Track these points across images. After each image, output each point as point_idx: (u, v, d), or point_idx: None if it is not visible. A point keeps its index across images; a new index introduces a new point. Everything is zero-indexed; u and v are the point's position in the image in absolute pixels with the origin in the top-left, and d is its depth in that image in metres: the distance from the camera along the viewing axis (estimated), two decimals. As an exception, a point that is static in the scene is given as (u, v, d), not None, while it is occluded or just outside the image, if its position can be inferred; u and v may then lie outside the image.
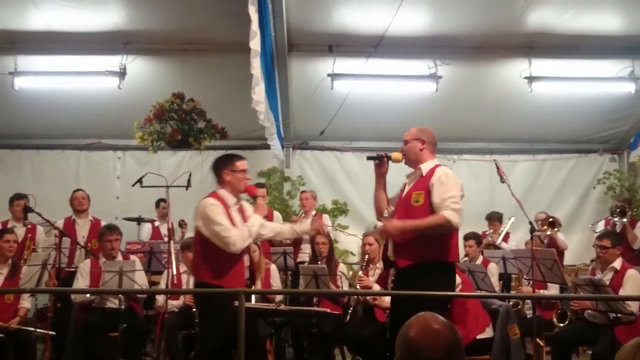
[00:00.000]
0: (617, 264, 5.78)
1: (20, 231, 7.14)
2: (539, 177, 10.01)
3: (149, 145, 7.67)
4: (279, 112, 8.26)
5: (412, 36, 7.88)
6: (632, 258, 7.29)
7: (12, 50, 7.97)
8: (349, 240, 9.13)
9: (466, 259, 6.84)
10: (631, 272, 5.68)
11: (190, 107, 7.58)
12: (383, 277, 5.94)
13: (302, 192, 8.38)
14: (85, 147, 9.72)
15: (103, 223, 7.32)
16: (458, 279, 5.11)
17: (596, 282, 5.42)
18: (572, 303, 5.90)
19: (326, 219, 8.23)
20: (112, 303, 5.91)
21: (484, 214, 8.71)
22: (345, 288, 6.31)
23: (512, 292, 6.81)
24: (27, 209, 6.74)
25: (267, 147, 8.36)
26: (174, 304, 6.13)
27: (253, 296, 5.61)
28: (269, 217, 7.58)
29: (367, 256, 6.12)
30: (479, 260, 6.79)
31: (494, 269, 6.66)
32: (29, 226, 7.11)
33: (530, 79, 8.40)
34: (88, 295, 5.96)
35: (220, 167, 4.64)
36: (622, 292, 5.51)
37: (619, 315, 5.25)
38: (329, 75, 8.28)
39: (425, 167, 4.32)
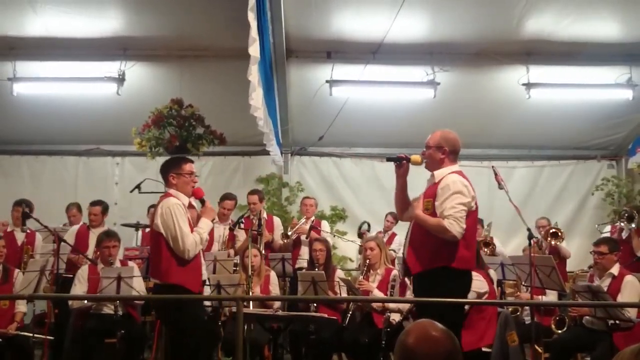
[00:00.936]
0: (615, 270, 5.78)
1: (20, 236, 7.16)
2: (537, 184, 10.01)
3: (147, 152, 7.66)
4: (278, 118, 8.27)
5: (410, 43, 7.89)
6: (635, 264, 7.29)
7: (10, 56, 7.98)
8: (347, 246, 9.12)
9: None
10: (629, 278, 5.68)
11: (188, 113, 7.57)
12: (384, 282, 5.94)
13: (305, 198, 8.35)
14: (84, 153, 9.72)
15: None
16: (485, 288, 5.10)
17: (594, 288, 5.42)
18: (571, 309, 5.90)
19: (325, 225, 8.23)
20: (110, 309, 5.90)
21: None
22: (344, 294, 6.31)
23: (511, 299, 6.80)
24: (26, 215, 6.74)
25: (266, 153, 8.37)
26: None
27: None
28: (269, 223, 7.62)
29: (367, 261, 6.12)
30: (477, 267, 6.78)
31: (492, 276, 6.65)
32: (28, 232, 7.12)
33: (528, 85, 8.41)
34: (86, 301, 5.94)
35: (167, 170, 4.71)
36: (620, 298, 5.51)
37: (617, 321, 5.24)
38: (327, 81, 8.29)
39: (438, 174, 4.37)
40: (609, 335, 5.26)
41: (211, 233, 6.35)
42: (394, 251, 7.79)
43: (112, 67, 8.09)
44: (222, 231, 7.32)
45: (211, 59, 8.12)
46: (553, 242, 7.91)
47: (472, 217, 4.26)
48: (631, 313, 5.25)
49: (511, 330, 5.33)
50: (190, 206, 4.88)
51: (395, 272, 5.99)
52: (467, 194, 4.22)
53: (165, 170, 4.74)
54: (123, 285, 5.63)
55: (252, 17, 5.23)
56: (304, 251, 7.66)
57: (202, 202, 4.75)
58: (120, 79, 8.11)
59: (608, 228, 8.28)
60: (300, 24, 7.55)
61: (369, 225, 8.44)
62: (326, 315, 5.49)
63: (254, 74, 5.43)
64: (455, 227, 4.09)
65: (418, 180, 4.66)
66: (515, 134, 9.59)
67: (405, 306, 5.54)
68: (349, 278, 7.46)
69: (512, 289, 6.79)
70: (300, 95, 8.65)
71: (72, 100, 8.56)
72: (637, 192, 9.89)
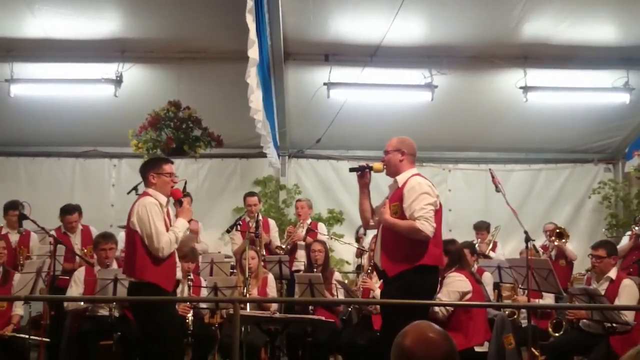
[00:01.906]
0: (613, 273, 5.79)
1: (15, 238, 7.14)
2: (534, 187, 10.02)
3: (144, 153, 7.66)
4: (275, 120, 8.26)
5: (408, 46, 7.90)
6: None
7: (8, 58, 7.96)
8: (345, 249, 9.12)
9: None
10: (627, 281, 5.69)
11: (186, 115, 7.58)
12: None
13: (297, 200, 8.39)
14: (81, 154, 9.70)
15: (92, 229, 7.31)
16: (469, 287, 5.13)
17: (591, 291, 5.43)
18: (568, 313, 5.90)
19: (322, 227, 8.23)
20: (106, 311, 5.89)
21: (480, 223, 8.74)
22: (341, 297, 6.30)
23: (508, 302, 6.80)
24: (22, 217, 6.73)
25: (263, 155, 8.37)
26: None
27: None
28: (265, 225, 7.63)
29: (372, 261, 6.10)
30: (474, 269, 6.78)
31: (488, 278, 6.66)
32: (23, 233, 7.10)
33: (526, 89, 8.42)
34: (82, 303, 5.93)
35: (147, 169, 4.77)
36: (618, 302, 5.51)
37: (614, 325, 5.25)
38: (325, 84, 8.29)
39: (401, 179, 4.52)
40: (606, 338, 5.26)
41: None
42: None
43: (109, 69, 8.08)
44: None
45: (209, 61, 8.13)
46: (557, 242, 7.92)
47: (438, 215, 4.45)
48: (628, 316, 5.25)
49: (508, 333, 5.32)
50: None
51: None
52: (432, 194, 4.40)
53: (145, 170, 4.79)
54: (119, 286, 5.62)
55: (250, 20, 5.23)
56: (300, 254, 7.66)
57: (180, 202, 4.78)
58: (118, 81, 8.09)
59: (627, 237, 8.16)
60: (298, 26, 7.56)
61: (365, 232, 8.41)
62: (323, 318, 5.49)
63: (252, 76, 5.43)
64: (427, 226, 4.29)
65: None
66: (513, 137, 9.60)
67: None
68: (346, 281, 7.46)
69: (509, 292, 6.80)
70: (297, 98, 8.65)
71: (70, 102, 8.55)
72: (633, 196, 9.90)
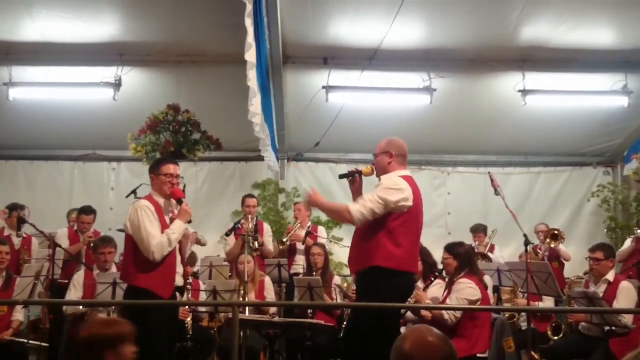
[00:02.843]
0: (610, 275, 5.79)
1: (16, 240, 7.15)
2: (533, 190, 10.03)
3: (143, 157, 7.64)
4: (274, 123, 8.26)
5: (406, 49, 7.91)
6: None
7: (6, 61, 7.96)
8: (344, 252, 9.10)
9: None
10: (624, 284, 5.69)
11: (184, 119, 7.57)
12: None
13: (296, 203, 8.38)
14: (80, 158, 9.70)
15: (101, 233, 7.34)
16: (478, 295, 5.09)
17: (590, 295, 5.43)
18: (567, 316, 5.90)
19: (321, 230, 8.22)
20: (105, 315, 5.87)
21: (478, 227, 8.75)
22: (340, 300, 6.30)
23: (507, 305, 6.80)
24: (21, 220, 6.73)
25: (262, 158, 8.36)
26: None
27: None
28: (259, 229, 7.62)
29: None
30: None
31: (487, 282, 6.65)
32: (24, 236, 7.10)
33: (524, 92, 8.42)
34: (81, 307, 5.91)
35: (149, 170, 4.74)
36: (616, 304, 5.52)
37: (613, 327, 5.25)
38: (323, 87, 8.29)
39: (383, 177, 4.43)
40: (605, 341, 5.27)
41: None
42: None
43: (108, 72, 8.08)
44: None
45: (207, 64, 8.13)
46: (552, 245, 7.94)
47: (404, 218, 4.28)
48: (627, 319, 5.25)
49: (507, 336, 5.32)
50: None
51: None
52: (395, 192, 4.23)
53: (149, 171, 4.77)
54: (119, 290, 5.61)
55: (249, 23, 5.23)
56: (299, 258, 7.65)
57: (179, 202, 4.68)
58: (117, 84, 8.10)
59: (628, 242, 8.18)
60: (296, 29, 7.56)
61: None
62: (322, 322, 5.48)
63: (253, 79, 5.44)
64: (356, 213, 4.16)
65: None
66: (511, 140, 9.61)
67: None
68: (345, 284, 7.45)
69: (509, 295, 6.80)
70: (296, 101, 8.65)
71: (68, 105, 8.55)
72: (632, 199, 9.91)
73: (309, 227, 7.90)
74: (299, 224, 7.85)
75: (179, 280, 4.68)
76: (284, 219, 9.43)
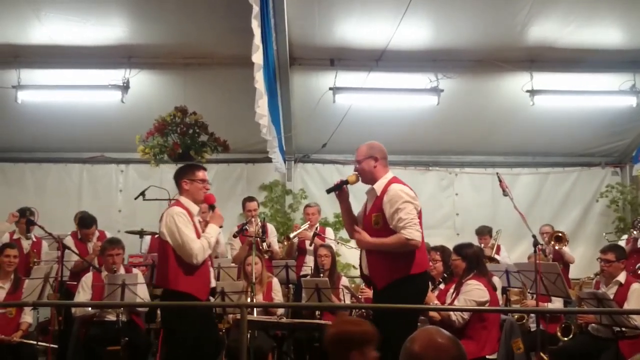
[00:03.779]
0: (622, 277, 5.75)
1: (25, 243, 7.18)
2: (542, 191, 10.00)
3: (151, 159, 7.66)
4: (281, 125, 8.27)
5: (413, 50, 7.90)
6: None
7: (15, 64, 8.00)
8: (352, 254, 9.10)
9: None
10: (636, 285, 5.65)
11: (192, 121, 7.58)
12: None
13: (307, 206, 8.35)
14: (88, 160, 9.74)
15: (108, 234, 7.36)
16: (486, 297, 5.08)
17: (600, 296, 5.40)
18: (577, 317, 5.87)
19: (329, 232, 8.22)
20: (114, 316, 5.89)
21: (487, 228, 8.74)
22: (348, 301, 6.29)
23: (516, 306, 6.78)
24: (30, 222, 6.76)
25: (269, 160, 8.37)
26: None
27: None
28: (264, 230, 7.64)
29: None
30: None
31: (496, 283, 6.63)
32: (34, 240, 7.14)
33: (532, 92, 8.40)
34: (89, 308, 5.93)
35: (180, 176, 4.80)
36: (627, 306, 5.48)
37: (623, 329, 5.21)
38: (330, 88, 8.29)
39: (378, 187, 4.43)
40: (615, 342, 5.24)
41: None
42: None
43: (116, 75, 8.11)
44: None
45: (215, 66, 8.15)
46: (557, 247, 7.91)
47: (419, 220, 4.35)
48: (637, 321, 5.21)
49: (516, 338, 5.30)
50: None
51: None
52: (412, 200, 4.29)
53: (178, 176, 4.82)
54: (127, 292, 5.62)
55: (256, 25, 5.24)
56: (309, 259, 7.65)
57: (212, 208, 4.79)
58: (125, 87, 8.12)
59: (624, 238, 8.21)
60: (303, 31, 7.57)
61: None
62: (330, 323, 5.47)
63: (260, 81, 5.44)
64: (415, 234, 4.20)
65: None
66: (520, 140, 9.59)
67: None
68: (353, 285, 7.45)
69: (518, 297, 6.77)
70: (303, 103, 8.66)
71: (77, 108, 8.58)
72: (641, 199, 9.88)
73: (316, 228, 7.90)
74: (308, 224, 7.86)
75: (212, 282, 4.79)
76: (291, 221, 9.43)
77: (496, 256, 8.22)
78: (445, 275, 5.67)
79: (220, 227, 4.85)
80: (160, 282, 4.73)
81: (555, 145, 9.75)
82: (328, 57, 8.13)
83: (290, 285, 7.21)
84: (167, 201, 6.44)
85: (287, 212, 9.58)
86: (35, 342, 5.85)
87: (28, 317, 6.03)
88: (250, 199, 7.87)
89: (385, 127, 8.89)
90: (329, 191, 4.66)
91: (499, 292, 6.52)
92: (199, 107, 7.77)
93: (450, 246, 5.65)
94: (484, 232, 8.57)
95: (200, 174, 4.78)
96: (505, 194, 5.59)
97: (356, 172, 4.54)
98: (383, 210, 4.30)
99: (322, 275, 6.38)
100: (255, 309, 5.63)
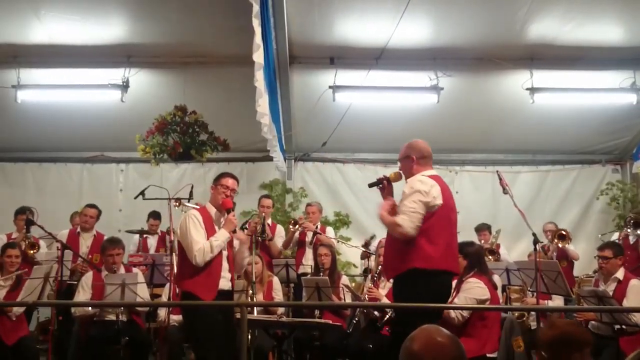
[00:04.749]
0: (620, 274, 5.76)
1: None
2: (542, 188, 9.99)
3: (151, 158, 7.67)
4: (281, 124, 8.27)
5: (413, 48, 7.89)
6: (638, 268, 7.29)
7: (15, 64, 7.99)
8: (352, 252, 9.10)
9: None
10: (634, 282, 5.66)
11: (192, 120, 7.58)
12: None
13: (309, 205, 8.34)
14: (88, 160, 9.74)
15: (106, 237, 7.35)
16: (487, 295, 5.07)
17: (600, 293, 5.40)
18: (577, 315, 5.87)
19: (330, 231, 8.22)
20: (114, 316, 5.89)
21: (488, 225, 8.74)
22: (348, 300, 6.29)
23: (517, 304, 6.77)
24: (30, 222, 6.75)
25: (269, 159, 8.37)
26: (175, 318, 6.09)
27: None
28: (272, 231, 7.65)
29: (380, 267, 6.09)
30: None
31: (497, 281, 6.63)
32: (31, 239, 7.13)
33: (532, 90, 8.39)
34: (90, 308, 5.93)
35: (213, 182, 5.12)
36: (626, 303, 5.48)
37: (623, 326, 5.21)
38: (330, 87, 8.29)
39: (409, 180, 4.48)
40: (615, 340, 5.23)
41: None
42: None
43: (116, 74, 8.10)
44: None
45: (214, 65, 8.13)
46: (560, 245, 7.91)
47: (437, 216, 4.29)
48: (637, 318, 5.21)
49: (517, 336, 5.29)
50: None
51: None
52: (426, 192, 4.27)
53: (214, 181, 5.13)
54: (127, 291, 5.62)
55: (256, 24, 5.24)
56: (308, 257, 7.65)
57: (228, 212, 4.96)
58: (124, 86, 8.12)
59: (616, 235, 8.25)
60: (303, 30, 7.56)
61: (373, 236, 8.37)
62: (330, 322, 5.48)
63: (260, 80, 5.44)
64: (407, 223, 4.19)
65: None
66: (520, 138, 9.58)
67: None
68: (353, 284, 7.44)
69: (518, 295, 6.77)
70: (303, 101, 8.65)
71: (76, 108, 8.58)
72: (642, 197, 9.87)
73: (316, 227, 7.90)
74: (308, 219, 7.89)
75: (226, 285, 4.86)
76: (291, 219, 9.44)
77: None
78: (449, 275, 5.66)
79: (233, 232, 4.92)
80: (177, 283, 5.11)
81: (555, 143, 9.74)
82: (328, 56, 8.13)
83: (291, 284, 7.21)
84: (167, 200, 6.43)
85: (287, 211, 9.57)
86: (35, 342, 5.81)
87: None
88: (267, 196, 8.00)
89: (385, 125, 8.90)
90: (370, 185, 4.78)
91: (499, 291, 6.52)
92: (199, 106, 7.80)
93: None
94: (482, 228, 8.61)
95: (227, 182, 5.00)
96: (505, 192, 5.59)
97: (399, 171, 4.63)
98: None
99: (322, 274, 6.38)
100: (255, 308, 5.62)
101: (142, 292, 5.90)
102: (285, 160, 9.35)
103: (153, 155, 7.63)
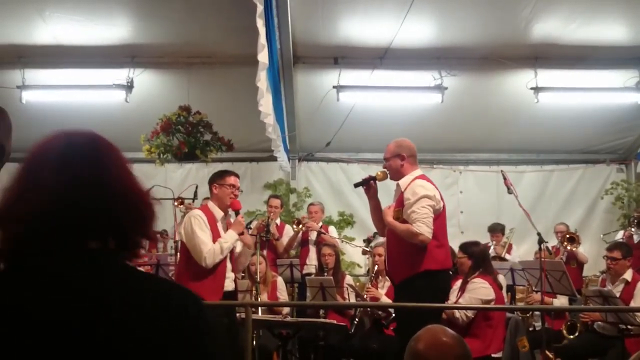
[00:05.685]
0: (628, 275, 5.74)
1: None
2: (547, 188, 9.96)
3: (156, 158, 7.68)
4: (285, 124, 8.27)
5: (417, 48, 7.89)
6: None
7: (19, 64, 8.01)
8: (356, 252, 9.10)
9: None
10: (642, 283, 5.63)
11: (196, 120, 7.59)
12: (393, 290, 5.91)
13: (311, 204, 8.35)
14: (93, 160, 9.73)
15: None
16: (492, 295, 5.07)
17: (605, 293, 5.38)
18: (582, 315, 5.85)
19: (333, 231, 8.22)
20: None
21: (491, 226, 8.71)
22: (352, 300, 6.29)
23: (521, 304, 6.76)
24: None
25: (273, 159, 8.37)
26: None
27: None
28: (280, 231, 7.66)
29: (376, 267, 6.10)
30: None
31: (501, 281, 6.61)
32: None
33: (537, 89, 8.37)
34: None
35: (212, 180, 4.91)
36: (634, 304, 5.46)
37: (629, 327, 5.20)
38: (334, 87, 8.28)
39: (403, 183, 4.49)
40: (621, 340, 5.22)
41: None
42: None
43: (120, 75, 8.11)
44: None
45: (218, 65, 8.14)
46: (569, 247, 7.88)
47: (441, 218, 4.40)
48: (643, 318, 5.20)
49: (521, 336, 5.29)
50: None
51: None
52: (432, 196, 4.33)
53: (210, 180, 4.93)
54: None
55: (261, 24, 5.24)
56: (312, 257, 7.65)
57: (237, 214, 4.90)
58: (129, 86, 8.13)
59: (620, 234, 8.22)
60: (307, 30, 7.56)
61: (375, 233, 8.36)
62: (335, 322, 5.48)
63: (262, 80, 5.44)
64: (424, 229, 4.21)
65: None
66: (524, 138, 9.55)
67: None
68: (357, 284, 7.44)
69: (523, 295, 6.76)
70: (307, 101, 8.65)
71: (81, 108, 8.57)
72: (646, 196, 9.83)
73: (320, 227, 7.90)
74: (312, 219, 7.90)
75: (230, 285, 4.82)
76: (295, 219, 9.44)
77: (507, 255, 8.19)
78: (450, 273, 5.66)
79: (241, 233, 4.86)
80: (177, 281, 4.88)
81: (559, 142, 9.72)
82: (332, 56, 8.12)
83: (295, 284, 7.21)
84: (172, 201, 6.44)
85: (291, 211, 9.58)
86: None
87: None
88: (275, 196, 8.00)
89: (389, 125, 8.87)
90: (356, 185, 4.78)
91: (504, 291, 6.51)
92: (203, 107, 7.81)
93: (455, 244, 5.64)
94: (496, 229, 8.52)
95: (231, 180, 4.87)
96: (509, 191, 5.58)
97: (385, 170, 4.61)
98: (403, 205, 4.37)
99: (326, 274, 6.38)
100: (259, 307, 5.63)
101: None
102: (289, 160, 9.35)
103: (157, 156, 7.64)
